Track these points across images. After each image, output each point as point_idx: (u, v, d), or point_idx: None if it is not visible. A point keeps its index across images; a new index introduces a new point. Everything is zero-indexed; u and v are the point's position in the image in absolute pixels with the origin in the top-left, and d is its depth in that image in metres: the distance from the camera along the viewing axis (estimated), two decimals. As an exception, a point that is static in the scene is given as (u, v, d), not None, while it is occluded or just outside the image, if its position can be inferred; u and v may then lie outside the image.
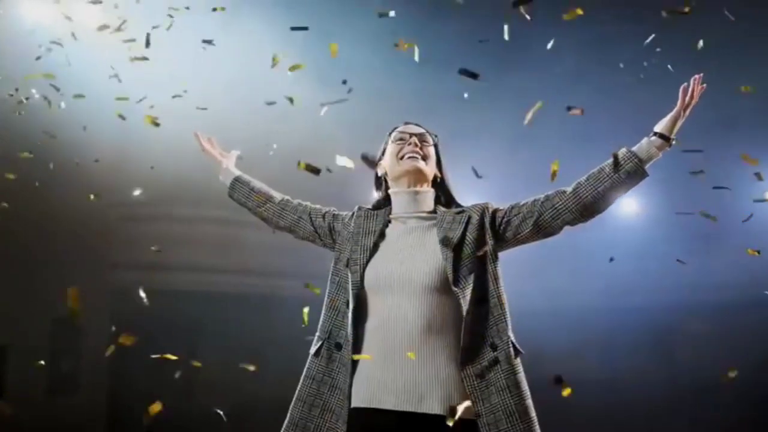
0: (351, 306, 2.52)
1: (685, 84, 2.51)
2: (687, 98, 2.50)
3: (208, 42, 3.61)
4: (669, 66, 3.94)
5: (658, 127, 2.51)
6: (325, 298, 2.66)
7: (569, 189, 2.53)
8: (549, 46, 3.35)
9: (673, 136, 2.49)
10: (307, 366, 2.61)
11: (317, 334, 2.63)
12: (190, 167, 3.09)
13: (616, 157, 2.49)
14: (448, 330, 2.46)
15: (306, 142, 3.42)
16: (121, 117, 3.82)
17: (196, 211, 4.96)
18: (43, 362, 4.94)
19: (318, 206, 2.82)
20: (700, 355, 6.15)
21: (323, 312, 2.64)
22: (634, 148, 2.50)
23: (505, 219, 2.58)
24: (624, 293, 6.09)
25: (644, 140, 2.51)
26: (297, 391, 2.60)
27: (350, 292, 2.54)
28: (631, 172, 2.47)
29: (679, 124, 2.50)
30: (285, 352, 6.23)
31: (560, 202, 2.52)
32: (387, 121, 2.84)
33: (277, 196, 2.86)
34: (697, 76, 2.52)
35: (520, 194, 2.72)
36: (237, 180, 2.92)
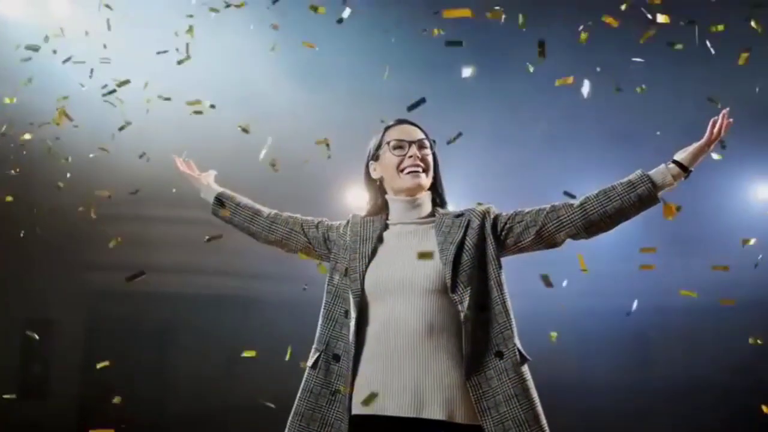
0: (354, 315, 2.46)
1: (715, 117, 2.42)
2: (715, 132, 2.42)
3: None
4: (643, 86, 3.95)
5: (679, 156, 2.43)
6: (322, 309, 2.60)
7: (577, 202, 2.48)
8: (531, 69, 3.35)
9: (692, 168, 2.42)
10: (304, 379, 2.55)
11: (314, 346, 2.57)
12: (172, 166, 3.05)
13: (629, 178, 2.43)
14: (450, 333, 2.42)
15: (286, 143, 3.37)
16: (104, 150, 3.76)
17: (176, 212, 4.91)
18: (13, 395, 4.85)
19: (309, 218, 2.76)
20: (677, 357, 6.20)
21: (320, 323, 2.58)
22: (650, 172, 2.43)
23: (507, 225, 2.53)
24: (602, 295, 6.10)
25: (662, 166, 2.43)
26: (295, 406, 2.53)
27: (351, 300, 2.48)
28: (643, 196, 2.41)
29: (702, 157, 2.43)
30: (262, 354, 6.23)
31: (565, 215, 2.47)
32: (369, 121, 2.79)
33: (265, 210, 2.79)
34: (724, 111, 2.43)
35: (499, 194, 2.70)
36: (221, 196, 2.84)
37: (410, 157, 2.60)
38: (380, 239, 2.58)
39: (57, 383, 6.23)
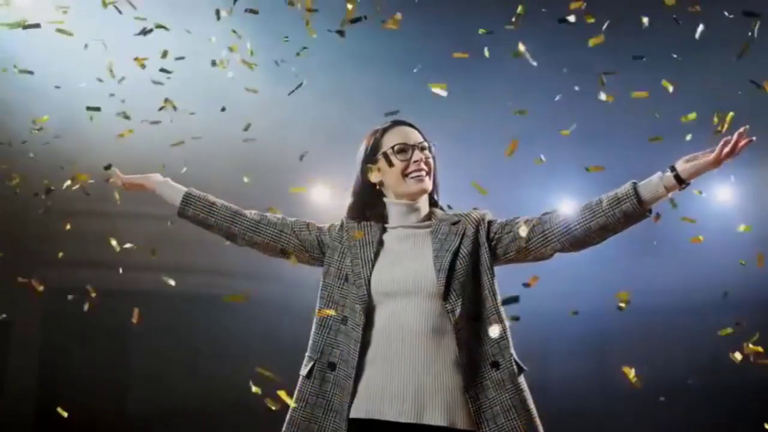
0: (362, 321, 2.42)
1: (728, 137, 2.23)
2: (725, 153, 2.22)
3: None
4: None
5: (680, 167, 2.28)
6: (315, 316, 2.53)
7: (562, 216, 2.42)
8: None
9: (690, 182, 2.27)
10: (298, 388, 2.49)
11: (307, 354, 2.51)
12: (143, 161, 2.97)
13: (617, 192, 2.34)
14: (452, 338, 2.40)
15: (262, 141, 3.32)
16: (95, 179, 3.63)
17: (137, 208, 4.80)
18: None
19: (297, 219, 2.66)
20: (646, 358, 6.25)
21: (313, 330, 2.52)
22: (640, 184, 2.31)
23: (497, 236, 2.51)
24: (566, 297, 6.12)
25: (656, 177, 2.30)
26: (288, 416, 2.47)
27: (357, 306, 2.44)
28: (628, 213, 2.31)
29: (704, 173, 2.27)
30: (224, 353, 6.17)
31: (550, 230, 2.42)
32: (345, 120, 2.75)
33: (245, 210, 2.65)
34: (741, 129, 2.23)
35: (469, 193, 2.69)
36: (190, 195, 2.65)
37: (415, 161, 2.55)
38: (381, 243, 2.53)
39: (12, 384, 6.08)
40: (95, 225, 5.01)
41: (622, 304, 2.51)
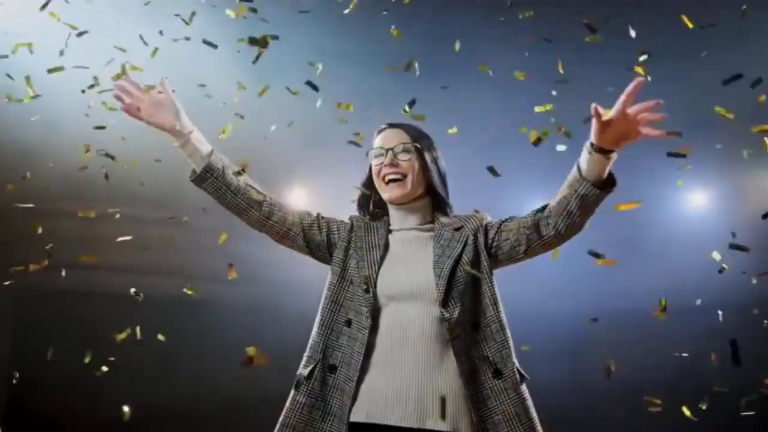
0: (368, 324, 2.38)
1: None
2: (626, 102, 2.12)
3: None
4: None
5: (598, 141, 2.19)
6: (318, 316, 2.50)
7: (551, 221, 2.38)
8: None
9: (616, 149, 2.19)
10: (294, 389, 2.44)
11: (307, 354, 2.47)
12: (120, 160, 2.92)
13: (577, 190, 2.28)
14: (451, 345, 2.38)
15: (239, 141, 3.29)
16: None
17: (114, 209, 4.74)
18: None
19: (306, 213, 2.61)
20: (623, 360, 6.27)
21: (315, 331, 2.48)
22: (586, 174, 2.25)
23: (495, 243, 2.49)
24: (539, 299, 6.14)
25: (588, 158, 2.22)
26: (282, 417, 2.42)
27: (364, 309, 2.41)
28: (599, 202, 2.29)
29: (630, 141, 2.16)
30: (206, 356, 6.11)
31: (546, 235, 2.40)
32: (330, 121, 2.73)
33: (259, 197, 2.54)
34: (637, 81, 2.12)
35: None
36: (209, 170, 2.48)
37: (386, 165, 2.55)
38: (386, 246, 2.52)
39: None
40: (75, 226, 4.93)
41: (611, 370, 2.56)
